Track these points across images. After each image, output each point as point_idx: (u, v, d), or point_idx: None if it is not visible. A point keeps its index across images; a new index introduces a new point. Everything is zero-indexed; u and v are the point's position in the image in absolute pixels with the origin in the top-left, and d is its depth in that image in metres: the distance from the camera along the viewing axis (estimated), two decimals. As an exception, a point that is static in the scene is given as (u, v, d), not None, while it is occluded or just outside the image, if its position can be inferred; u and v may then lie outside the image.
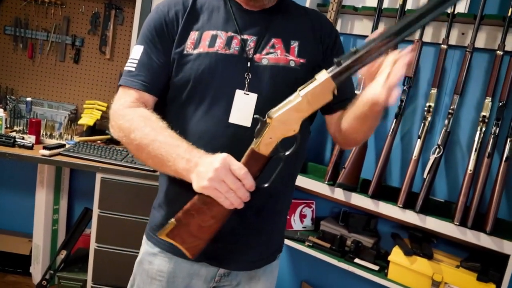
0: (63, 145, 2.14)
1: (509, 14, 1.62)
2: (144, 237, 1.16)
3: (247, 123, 1.00)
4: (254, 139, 0.89)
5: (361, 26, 1.99)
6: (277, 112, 0.87)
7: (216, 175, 0.84)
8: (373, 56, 0.83)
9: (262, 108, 0.97)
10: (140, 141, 0.95)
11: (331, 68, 0.85)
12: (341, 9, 1.96)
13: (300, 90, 0.86)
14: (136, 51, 1.06)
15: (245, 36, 1.04)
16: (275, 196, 1.07)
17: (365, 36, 1.89)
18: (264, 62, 1.03)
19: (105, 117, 2.46)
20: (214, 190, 0.85)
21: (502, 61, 1.63)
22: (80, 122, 2.41)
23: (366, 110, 0.90)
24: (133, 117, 0.98)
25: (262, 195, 0.99)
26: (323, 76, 0.85)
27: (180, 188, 1.00)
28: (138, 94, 1.03)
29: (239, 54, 1.02)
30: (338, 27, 2.00)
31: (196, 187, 0.87)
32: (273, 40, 1.05)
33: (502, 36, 1.64)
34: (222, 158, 0.86)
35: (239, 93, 1.01)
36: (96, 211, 2.05)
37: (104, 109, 2.48)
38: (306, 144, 1.18)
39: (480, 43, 1.73)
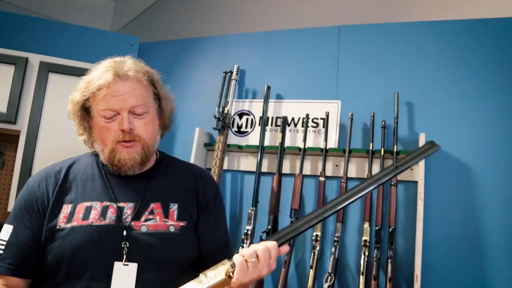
0: None
1: (370, 148, 1.86)
2: None
3: None
4: None
5: (247, 163, 2.12)
6: None
7: None
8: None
9: (144, 278, 0.93)
10: None
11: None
12: (226, 148, 2.08)
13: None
14: (5, 231, 0.99)
15: (121, 204, 1.01)
16: None
17: (251, 172, 2.02)
18: (143, 229, 1.00)
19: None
20: None
21: (372, 188, 1.82)
22: None
23: None
24: None
25: None
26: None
27: None
28: (4, 279, 0.95)
29: (115, 223, 0.99)
30: (225, 164, 2.10)
31: None
32: (151, 205, 1.03)
33: (368, 166, 1.85)
34: None
35: (118, 265, 0.96)
36: None
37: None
38: None
39: (352, 173, 1.92)
